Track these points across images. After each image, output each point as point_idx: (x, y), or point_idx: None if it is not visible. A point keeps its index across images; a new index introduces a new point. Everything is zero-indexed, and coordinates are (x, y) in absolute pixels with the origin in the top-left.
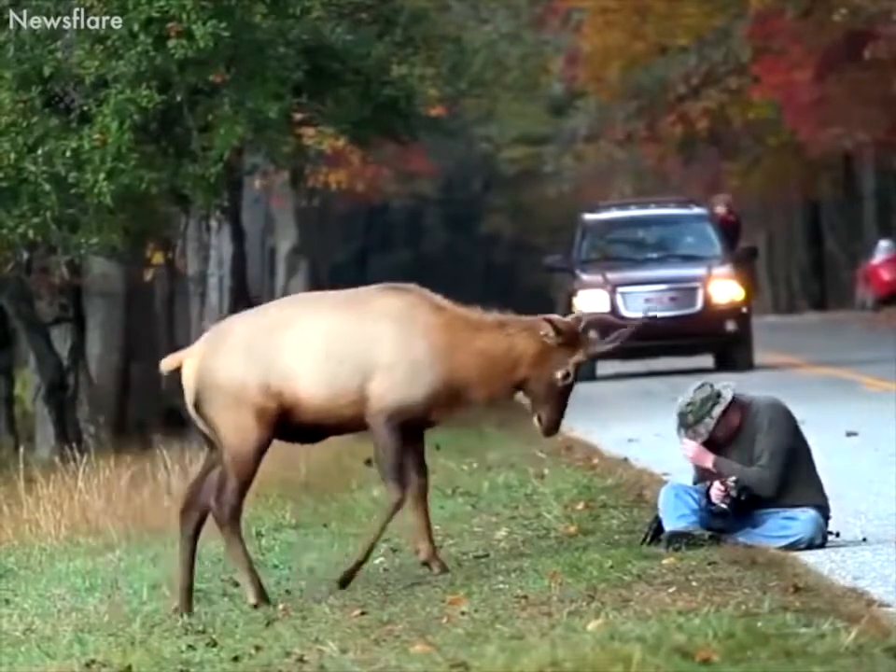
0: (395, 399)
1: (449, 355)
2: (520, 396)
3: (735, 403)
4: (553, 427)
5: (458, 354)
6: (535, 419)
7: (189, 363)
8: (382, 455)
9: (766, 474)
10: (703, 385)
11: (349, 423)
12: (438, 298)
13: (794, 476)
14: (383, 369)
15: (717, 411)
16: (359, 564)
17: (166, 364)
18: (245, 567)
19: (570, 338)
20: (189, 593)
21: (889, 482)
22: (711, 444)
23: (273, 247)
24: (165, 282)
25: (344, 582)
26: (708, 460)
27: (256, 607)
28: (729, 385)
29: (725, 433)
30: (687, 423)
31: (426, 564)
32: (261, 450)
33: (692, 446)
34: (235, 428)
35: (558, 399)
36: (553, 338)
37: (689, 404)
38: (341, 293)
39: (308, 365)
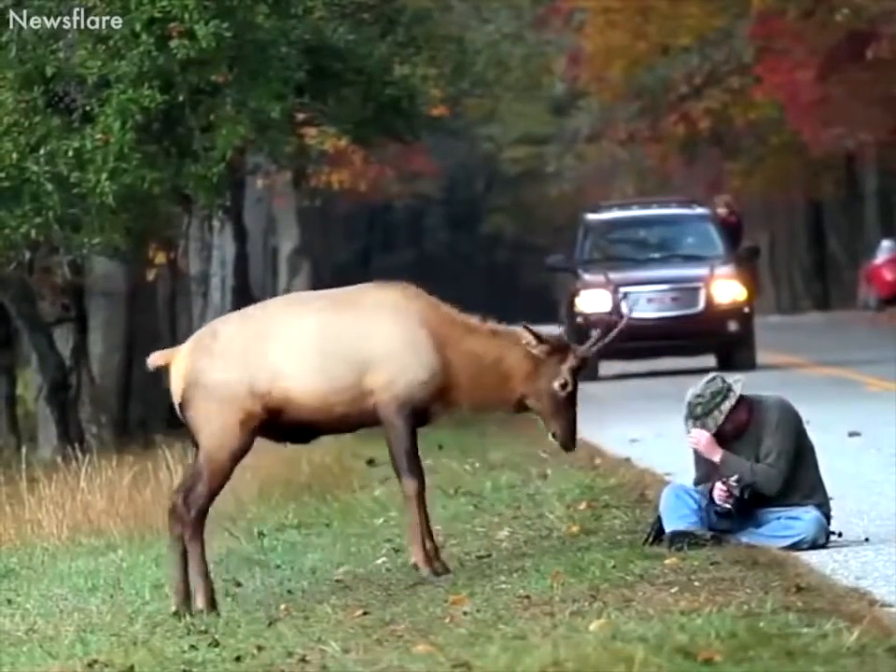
0: (403, 384)
1: (441, 348)
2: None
3: (745, 400)
4: (569, 441)
5: (448, 351)
6: (550, 436)
7: (178, 364)
8: (396, 446)
9: (773, 472)
10: (714, 379)
11: (346, 420)
12: (434, 298)
13: (799, 476)
14: (383, 359)
15: (726, 405)
16: (427, 550)
17: (153, 359)
18: (199, 572)
19: (556, 345)
20: (185, 594)
21: (891, 482)
22: (717, 438)
23: (275, 247)
24: (167, 282)
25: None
26: (717, 453)
27: (192, 616)
28: (740, 379)
29: (732, 428)
30: (696, 414)
31: (415, 566)
32: (239, 456)
33: (703, 437)
34: (216, 433)
35: (565, 410)
36: (535, 346)
37: (698, 396)
38: (331, 291)
39: (301, 364)
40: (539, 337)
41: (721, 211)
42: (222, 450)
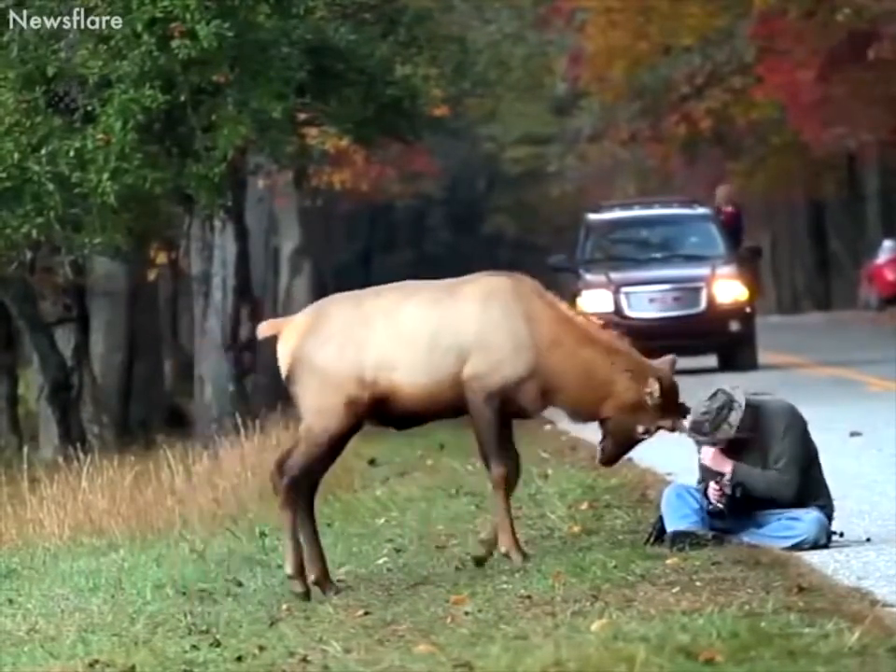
0: (497, 378)
1: (549, 347)
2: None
3: (748, 406)
4: (611, 462)
5: (557, 352)
6: (599, 446)
7: (286, 339)
8: (483, 434)
9: (785, 479)
10: (716, 394)
11: (453, 407)
12: (551, 295)
13: (807, 480)
14: (480, 349)
15: (734, 417)
16: (515, 543)
17: (264, 328)
18: (290, 537)
19: (669, 402)
20: (296, 554)
21: (892, 482)
22: (725, 447)
23: (276, 247)
24: (169, 282)
25: (481, 561)
26: (727, 465)
27: (291, 577)
28: (738, 387)
29: (740, 440)
30: (704, 431)
31: (479, 559)
32: (341, 438)
33: (709, 452)
34: (318, 411)
35: (629, 445)
36: (654, 398)
37: (704, 413)
38: (443, 281)
39: (408, 355)
40: (662, 388)
41: (721, 200)
42: (322, 428)
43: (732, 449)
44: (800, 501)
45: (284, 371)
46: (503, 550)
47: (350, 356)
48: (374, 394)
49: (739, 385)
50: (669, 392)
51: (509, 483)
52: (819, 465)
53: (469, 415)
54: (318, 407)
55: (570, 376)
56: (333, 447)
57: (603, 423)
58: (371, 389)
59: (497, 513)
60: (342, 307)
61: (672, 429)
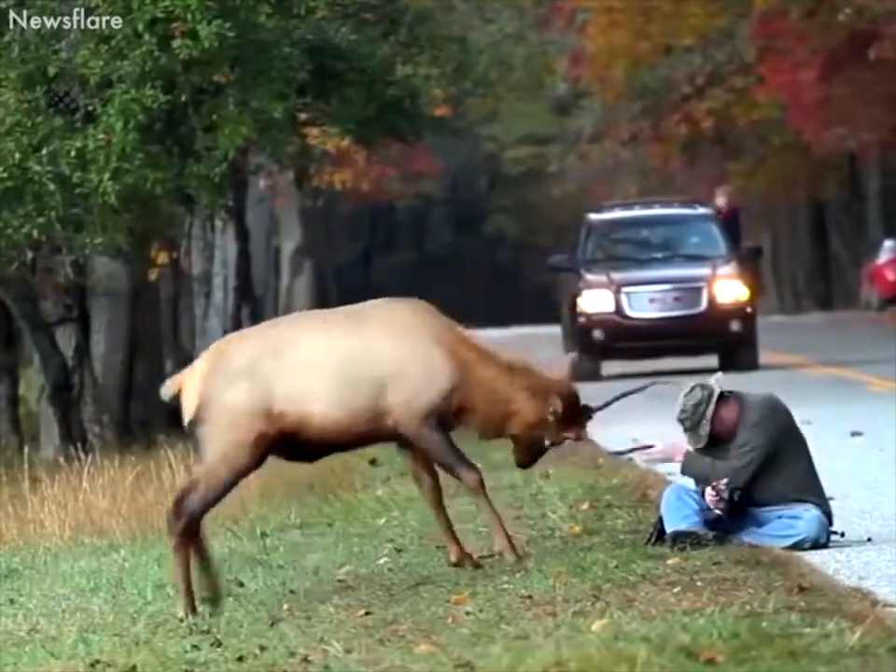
0: (424, 402)
1: (457, 365)
2: None
3: (728, 399)
4: (525, 466)
5: (464, 371)
6: (513, 452)
7: (191, 382)
8: (437, 454)
9: (735, 465)
10: (692, 390)
11: (362, 439)
12: (448, 319)
13: (790, 470)
14: (397, 378)
15: (709, 412)
16: (509, 542)
17: (167, 390)
18: (182, 578)
19: (571, 413)
20: (189, 595)
21: (893, 482)
22: (715, 440)
23: (277, 247)
24: (170, 282)
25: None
26: (679, 454)
27: (181, 620)
28: (718, 378)
29: (722, 429)
30: (686, 428)
31: (457, 564)
32: (241, 476)
33: (657, 450)
34: (224, 451)
35: (538, 454)
36: (557, 415)
37: (682, 411)
38: (342, 309)
39: (316, 387)
40: (564, 403)
41: (720, 201)
42: (227, 467)
43: (720, 440)
44: (781, 491)
45: (188, 416)
46: (496, 549)
47: (257, 391)
48: (283, 428)
49: (719, 376)
50: (571, 405)
51: (484, 488)
52: (806, 457)
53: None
54: (225, 447)
55: (475, 396)
56: (234, 485)
57: (511, 438)
58: (280, 423)
59: (487, 516)
60: (243, 344)
61: (577, 439)
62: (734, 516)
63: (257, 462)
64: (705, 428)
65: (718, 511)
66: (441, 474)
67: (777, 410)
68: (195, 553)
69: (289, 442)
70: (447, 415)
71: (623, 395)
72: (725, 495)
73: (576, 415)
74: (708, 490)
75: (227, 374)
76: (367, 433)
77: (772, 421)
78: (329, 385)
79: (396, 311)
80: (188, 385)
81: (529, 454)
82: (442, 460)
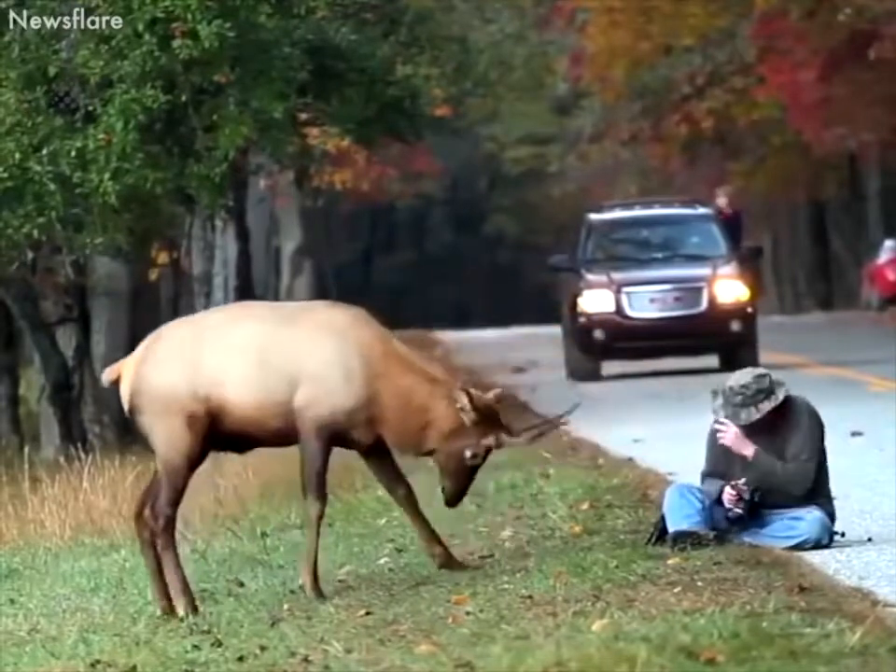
0: (327, 407)
1: (374, 380)
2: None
3: (784, 401)
4: (454, 500)
5: (380, 383)
6: (440, 487)
7: (127, 370)
8: (307, 465)
9: (802, 471)
10: (763, 376)
11: (280, 434)
12: (380, 326)
13: (816, 482)
14: (312, 379)
15: (766, 406)
16: (314, 580)
17: (107, 376)
18: (178, 579)
19: (488, 417)
20: (168, 597)
21: (893, 482)
22: (745, 430)
23: (277, 247)
24: (170, 282)
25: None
26: (748, 448)
27: (181, 620)
28: (784, 384)
29: (761, 425)
30: (734, 402)
31: (443, 566)
32: (192, 458)
33: (732, 430)
34: (166, 437)
35: (464, 476)
36: (468, 413)
37: (743, 386)
38: (281, 304)
39: (238, 370)
40: (475, 407)
41: (721, 201)
42: (175, 453)
43: (749, 432)
44: (804, 499)
45: (126, 405)
46: (300, 582)
47: (185, 373)
48: (208, 409)
49: (786, 384)
50: (483, 407)
51: (321, 519)
52: (826, 469)
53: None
54: (165, 432)
55: (391, 405)
56: (191, 471)
57: (433, 457)
58: (206, 404)
59: (307, 547)
60: (175, 329)
61: (498, 445)
62: (752, 516)
63: (199, 443)
64: (750, 415)
65: (739, 511)
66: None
67: (819, 418)
68: (152, 557)
69: (215, 428)
70: (349, 433)
71: (548, 421)
72: (746, 495)
73: (490, 419)
74: (728, 489)
75: (157, 359)
76: (281, 429)
77: (818, 430)
78: (248, 372)
79: (331, 315)
80: (124, 373)
81: (453, 475)
82: (307, 473)
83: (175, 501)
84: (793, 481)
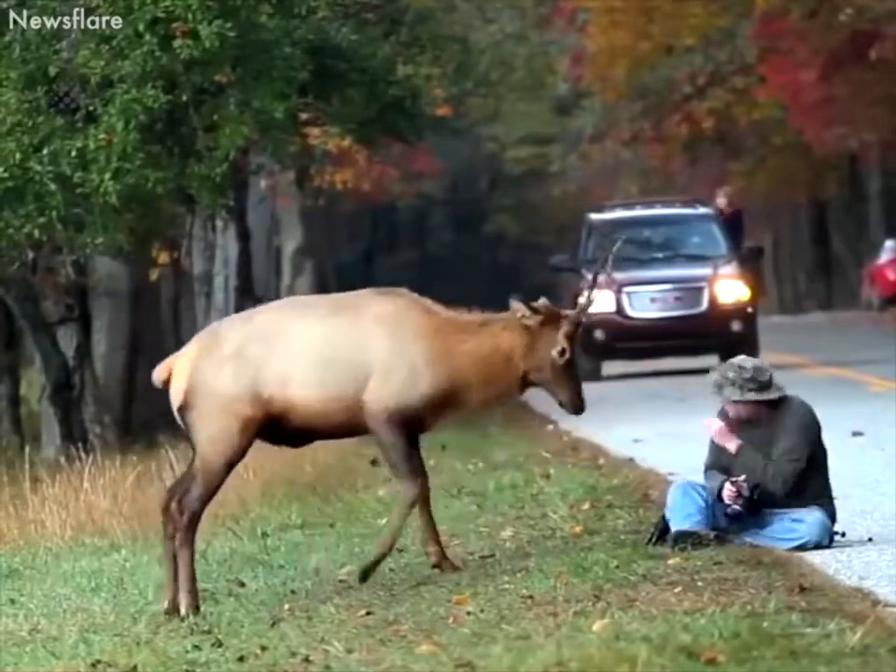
0: (395, 402)
1: (445, 357)
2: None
3: (773, 403)
4: (576, 403)
5: (453, 357)
6: (559, 404)
7: (181, 366)
8: (391, 453)
9: (783, 470)
10: (766, 371)
11: (341, 427)
12: (427, 301)
13: (810, 481)
14: (378, 374)
15: (751, 395)
16: (378, 560)
17: (158, 374)
18: (187, 576)
19: (549, 314)
20: (175, 594)
21: (894, 482)
22: (735, 421)
23: (278, 247)
24: (171, 281)
25: (364, 576)
26: (731, 442)
27: (182, 619)
28: (783, 388)
29: (749, 416)
30: (724, 375)
31: (436, 566)
32: (234, 462)
33: (716, 424)
34: (214, 438)
35: (568, 376)
36: (530, 317)
37: (741, 367)
38: (330, 297)
39: (302, 370)
40: (534, 309)
41: (722, 201)
42: (219, 454)
43: (741, 422)
44: (797, 500)
45: (176, 402)
46: (365, 564)
47: (246, 376)
48: (270, 412)
49: (784, 387)
50: (540, 307)
51: (415, 503)
52: (826, 469)
53: (371, 435)
54: (213, 433)
55: (468, 371)
56: (228, 473)
57: (534, 382)
58: (267, 407)
59: (391, 528)
60: (231, 329)
61: (572, 326)
62: (752, 514)
63: (246, 446)
64: (730, 396)
65: (738, 507)
66: (431, 473)
67: (814, 418)
68: (171, 551)
69: (275, 427)
70: (420, 418)
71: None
72: (746, 492)
73: (550, 311)
74: (727, 485)
75: (216, 359)
76: (346, 422)
77: (811, 429)
78: (314, 370)
79: (386, 307)
80: (177, 370)
81: (559, 381)
82: (392, 461)
83: (206, 500)
84: (773, 479)
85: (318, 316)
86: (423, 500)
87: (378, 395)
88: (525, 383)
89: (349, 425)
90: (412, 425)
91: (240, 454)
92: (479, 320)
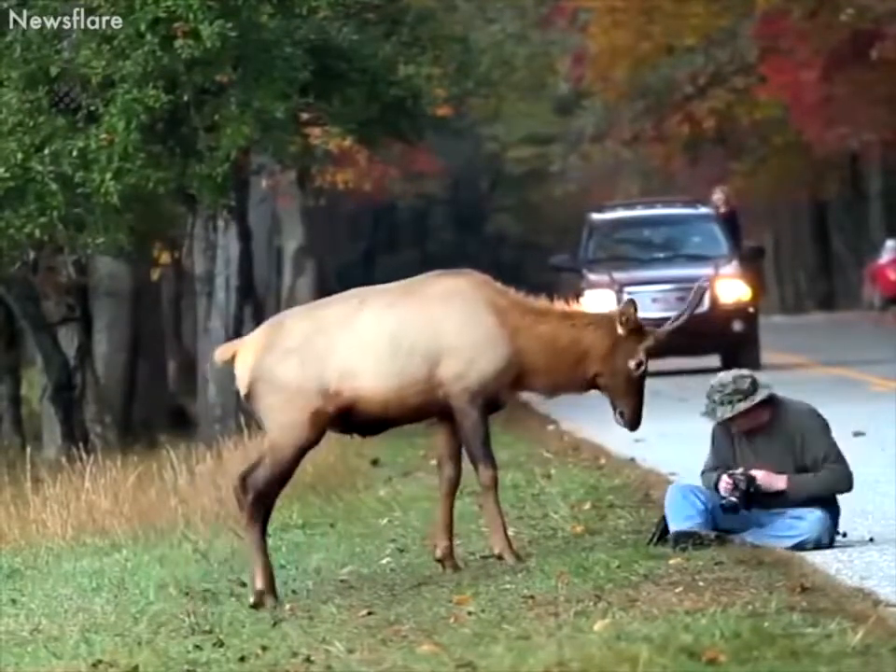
0: (476, 375)
1: (513, 336)
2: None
3: (771, 402)
4: (636, 421)
5: (521, 337)
6: (616, 415)
7: (245, 354)
8: (471, 436)
9: (839, 471)
10: (744, 377)
11: (418, 412)
12: (498, 283)
13: None
14: (453, 351)
15: (741, 406)
16: (508, 543)
17: (221, 353)
18: (258, 556)
19: (637, 325)
20: (266, 573)
21: (894, 482)
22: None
23: (279, 247)
24: (172, 281)
25: (516, 557)
26: (781, 482)
27: (254, 606)
28: (769, 387)
29: (751, 426)
30: (712, 399)
31: (440, 561)
32: (305, 450)
33: (761, 473)
34: (283, 426)
35: (636, 390)
36: (629, 324)
37: (722, 385)
38: (396, 284)
39: (372, 363)
40: (629, 321)
41: (718, 199)
42: (288, 443)
43: (746, 433)
44: (807, 502)
45: (243, 390)
46: (496, 551)
47: (312, 368)
48: (339, 404)
49: (770, 386)
50: (634, 317)
51: (497, 485)
52: None
53: (437, 418)
54: (283, 423)
55: (541, 353)
56: (299, 460)
57: (601, 386)
58: (336, 400)
59: (489, 515)
60: (297, 320)
61: (654, 342)
62: (749, 508)
63: (317, 436)
64: (724, 413)
65: (734, 499)
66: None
67: (824, 418)
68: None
69: (346, 417)
70: (497, 395)
71: None
72: (742, 485)
73: (641, 326)
74: (724, 477)
75: (280, 351)
76: (420, 405)
77: (829, 429)
78: (383, 360)
79: (451, 283)
80: (241, 356)
81: (625, 391)
82: (473, 443)
83: (274, 483)
84: (835, 486)
85: (386, 305)
86: (450, 488)
87: (455, 372)
88: (591, 384)
89: (423, 408)
90: (489, 403)
91: (312, 441)
92: (561, 310)
